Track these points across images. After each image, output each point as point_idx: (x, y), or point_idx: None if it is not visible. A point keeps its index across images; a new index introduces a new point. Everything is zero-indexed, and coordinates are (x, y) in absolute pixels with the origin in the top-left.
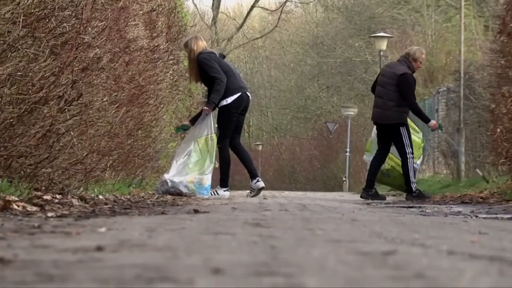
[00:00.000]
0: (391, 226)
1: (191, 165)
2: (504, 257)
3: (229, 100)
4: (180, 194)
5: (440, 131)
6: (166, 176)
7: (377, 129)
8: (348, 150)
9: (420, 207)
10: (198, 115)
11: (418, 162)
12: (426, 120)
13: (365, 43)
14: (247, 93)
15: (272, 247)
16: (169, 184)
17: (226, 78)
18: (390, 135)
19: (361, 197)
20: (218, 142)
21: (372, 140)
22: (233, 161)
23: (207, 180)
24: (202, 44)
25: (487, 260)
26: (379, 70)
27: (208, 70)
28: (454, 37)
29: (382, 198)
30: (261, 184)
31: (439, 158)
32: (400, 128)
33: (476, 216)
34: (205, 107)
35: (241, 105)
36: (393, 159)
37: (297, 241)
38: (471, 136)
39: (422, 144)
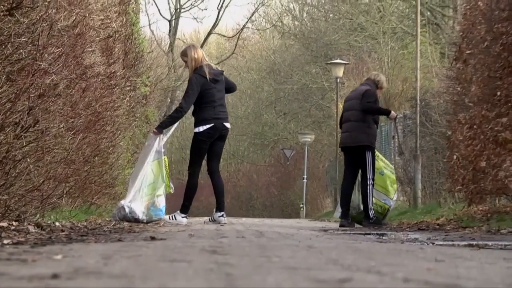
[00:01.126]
0: (348, 253)
1: (145, 189)
2: (459, 284)
3: (201, 128)
4: (137, 220)
5: (395, 121)
6: (123, 202)
7: (345, 155)
8: (305, 176)
9: (377, 234)
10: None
11: (395, 198)
12: (386, 112)
13: (321, 69)
14: (224, 123)
15: (228, 275)
16: (127, 210)
17: (188, 110)
18: (357, 158)
19: (341, 226)
20: (188, 168)
21: None
22: None
23: (161, 201)
24: (200, 53)
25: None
26: (336, 96)
27: (185, 92)
28: (411, 64)
29: (353, 225)
30: (224, 220)
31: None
32: (366, 152)
33: (433, 243)
34: (154, 129)
35: (214, 135)
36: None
37: (253, 268)
38: (428, 163)
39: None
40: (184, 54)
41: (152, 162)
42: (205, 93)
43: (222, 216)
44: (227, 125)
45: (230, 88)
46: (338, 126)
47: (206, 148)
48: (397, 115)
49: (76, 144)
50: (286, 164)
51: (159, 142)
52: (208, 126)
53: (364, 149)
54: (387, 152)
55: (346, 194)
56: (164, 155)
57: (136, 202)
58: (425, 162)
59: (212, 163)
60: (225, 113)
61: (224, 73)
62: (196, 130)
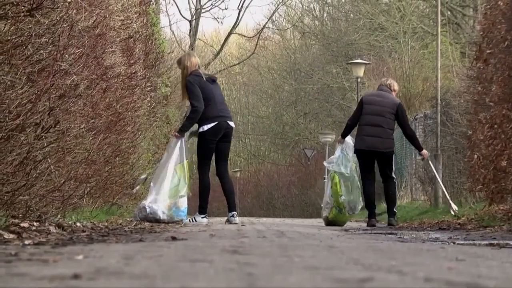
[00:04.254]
0: (369, 252)
1: (168, 191)
2: (481, 283)
3: (206, 127)
4: (158, 221)
5: (428, 159)
6: (145, 203)
7: (365, 158)
8: (326, 176)
9: (397, 233)
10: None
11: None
12: (420, 147)
13: (342, 69)
14: (228, 121)
15: (249, 275)
16: (148, 210)
17: (203, 106)
18: (383, 162)
19: (372, 226)
20: (198, 169)
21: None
22: (211, 187)
23: (183, 202)
24: (195, 61)
25: (463, 287)
26: (357, 96)
27: (189, 95)
28: (431, 63)
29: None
30: (234, 220)
31: (416, 185)
32: (393, 155)
33: (454, 243)
34: (175, 133)
35: (219, 133)
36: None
37: (274, 268)
38: (449, 163)
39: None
40: (178, 62)
41: (176, 165)
42: (204, 91)
43: (233, 216)
44: (231, 123)
45: None
46: (351, 124)
47: (212, 148)
48: (429, 155)
49: (97, 145)
50: (307, 164)
51: (181, 145)
52: (212, 124)
53: (392, 153)
54: (408, 152)
55: (372, 194)
56: (186, 159)
57: (157, 203)
58: (446, 162)
59: (220, 165)
60: (228, 112)
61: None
62: (201, 130)
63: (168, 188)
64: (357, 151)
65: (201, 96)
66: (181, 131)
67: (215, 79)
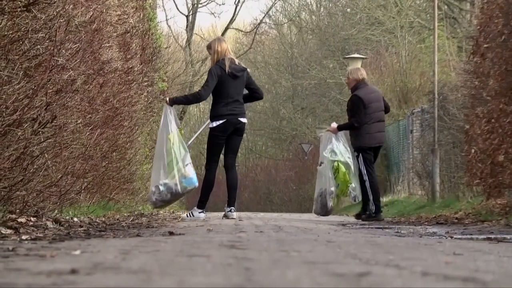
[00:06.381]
0: (366, 247)
1: (172, 163)
2: (478, 278)
3: (215, 124)
4: (175, 195)
5: None
6: (156, 183)
7: (370, 153)
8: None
9: (394, 228)
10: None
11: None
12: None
13: (339, 64)
14: (239, 118)
15: (247, 269)
16: (161, 188)
17: (206, 98)
18: (376, 155)
19: (381, 220)
20: (205, 164)
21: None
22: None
23: (190, 170)
24: (225, 46)
25: (461, 281)
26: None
27: (205, 81)
28: (428, 58)
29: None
30: (232, 215)
31: (414, 179)
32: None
33: (451, 237)
34: (167, 99)
35: (227, 129)
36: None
37: (272, 263)
38: (446, 157)
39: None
40: (208, 47)
41: (169, 135)
42: (221, 87)
43: (230, 211)
44: (243, 120)
45: (255, 93)
46: (358, 126)
47: (221, 144)
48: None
49: (94, 140)
50: (304, 159)
51: (172, 114)
52: (221, 121)
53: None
54: (405, 146)
55: (378, 189)
56: (178, 127)
57: (168, 178)
58: (443, 156)
59: (228, 158)
60: (241, 109)
61: (249, 72)
62: (211, 125)
63: (171, 160)
64: (367, 148)
65: (212, 89)
66: (172, 100)
67: (238, 75)
